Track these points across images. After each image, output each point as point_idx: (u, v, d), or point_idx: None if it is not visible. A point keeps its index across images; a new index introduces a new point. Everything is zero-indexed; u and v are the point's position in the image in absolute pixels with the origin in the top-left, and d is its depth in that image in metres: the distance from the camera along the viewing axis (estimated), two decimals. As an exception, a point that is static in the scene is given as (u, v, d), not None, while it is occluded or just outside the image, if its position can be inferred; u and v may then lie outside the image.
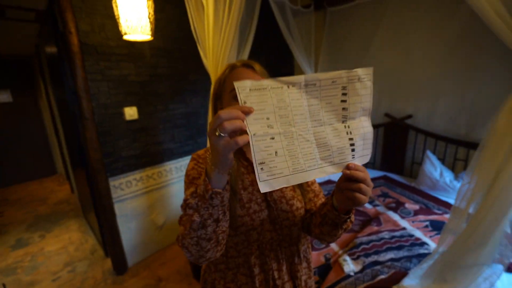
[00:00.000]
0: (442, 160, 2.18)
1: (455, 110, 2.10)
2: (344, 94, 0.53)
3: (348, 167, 0.53)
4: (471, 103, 2.02)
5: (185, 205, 0.56)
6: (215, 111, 0.76)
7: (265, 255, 0.73)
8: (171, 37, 2.18)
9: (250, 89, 0.48)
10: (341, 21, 2.69)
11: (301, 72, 2.86)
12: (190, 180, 0.70)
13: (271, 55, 3.03)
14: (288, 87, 0.50)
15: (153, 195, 2.29)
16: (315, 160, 0.52)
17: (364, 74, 0.53)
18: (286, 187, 0.75)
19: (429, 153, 2.17)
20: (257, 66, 0.71)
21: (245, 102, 0.47)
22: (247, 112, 0.47)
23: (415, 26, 2.19)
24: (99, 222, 2.21)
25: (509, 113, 0.80)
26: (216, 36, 1.48)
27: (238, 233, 0.70)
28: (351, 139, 0.54)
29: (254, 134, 0.48)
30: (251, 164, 0.75)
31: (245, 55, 1.92)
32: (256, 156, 0.48)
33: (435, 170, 2.05)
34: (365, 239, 1.47)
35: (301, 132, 0.51)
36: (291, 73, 3.36)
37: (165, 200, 2.38)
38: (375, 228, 1.58)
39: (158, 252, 2.39)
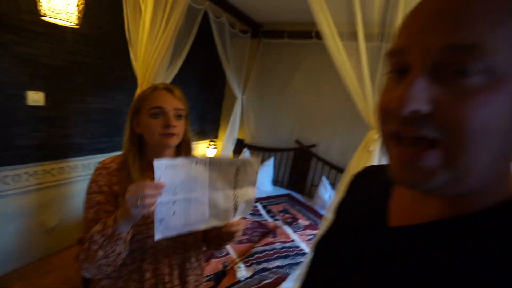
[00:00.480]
0: (333, 185, 2.66)
1: (346, 145, 2.62)
2: (237, 171, 0.72)
3: (228, 222, 0.75)
4: (357, 141, 2.56)
5: (91, 240, 0.65)
6: (131, 124, 0.82)
7: (158, 261, 0.80)
8: (101, 27, 2.06)
9: (165, 167, 0.62)
10: (272, 53, 3.03)
11: (231, 89, 3.06)
12: (90, 192, 0.77)
13: (205, 68, 3.13)
14: (196, 163, 0.66)
15: (48, 193, 2.03)
16: (205, 217, 0.70)
17: (254, 161, 0.75)
18: None
19: (324, 178, 2.62)
20: (177, 92, 0.81)
21: (160, 178, 0.62)
22: (160, 188, 0.62)
23: (325, 72, 2.67)
24: (-35, 219, 1.82)
25: (360, 150, 1.13)
26: (149, 43, 1.51)
27: (134, 240, 0.75)
28: (235, 202, 0.74)
29: (159, 202, 0.62)
30: None
31: (178, 65, 1.98)
32: (157, 215, 0.62)
33: (326, 192, 2.49)
34: (260, 249, 1.68)
35: (199, 197, 0.68)
36: (222, 89, 3.52)
37: (62, 199, 2.14)
38: (271, 239, 1.82)
39: (44, 259, 2.09)
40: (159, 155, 0.84)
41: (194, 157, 0.67)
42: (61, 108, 1.95)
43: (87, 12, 1.89)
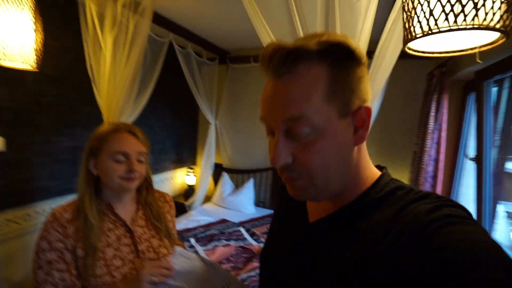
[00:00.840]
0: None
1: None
2: (228, 284, 0.76)
3: None
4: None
5: None
6: (87, 165, 0.79)
7: None
8: (64, 66, 2.04)
9: (182, 255, 0.75)
10: (240, 77, 3.12)
11: (204, 114, 3.07)
12: (40, 251, 0.70)
13: (176, 97, 3.14)
14: (205, 264, 0.76)
15: (13, 244, 1.88)
16: None
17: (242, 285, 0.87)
18: (153, 237, 0.85)
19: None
20: (140, 135, 0.81)
21: (174, 263, 0.73)
22: (172, 271, 0.72)
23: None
24: None
25: None
26: (111, 78, 1.52)
27: None
28: None
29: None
30: (119, 219, 0.81)
31: (145, 97, 1.99)
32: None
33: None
34: (245, 276, 1.63)
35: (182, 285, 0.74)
36: (196, 115, 3.54)
37: (30, 249, 1.98)
38: (256, 264, 1.77)
39: (9, 318, 1.90)
40: (119, 197, 0.82)
41: (205, 259, 0.78)
42: (23, 151, 1.87)
43: (49, 52, 1.88)
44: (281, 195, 0.64)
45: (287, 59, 0.37)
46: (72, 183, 2.20)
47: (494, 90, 1.56)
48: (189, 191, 3.24)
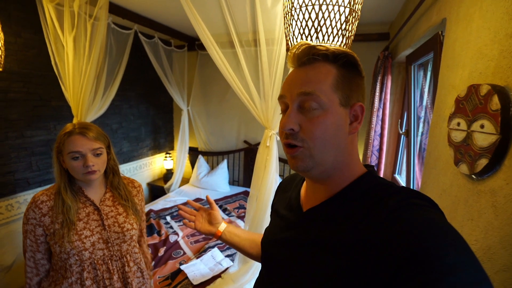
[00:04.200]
0: (282, 176, 2.93)
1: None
2: None
3: None
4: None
5: None
6: (58, 161, 0.93)
7: (97, 269, 0.94)
8: (30, 61, 2.09)
9: None
10: (211, 63, 3.18)
11: (175, 101, 3.19)
12: (23, 223, 0.90)
13: (148, 86, 3.22)
14: None
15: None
16: None
17: None
18: (119, 215, 1.02)
19: (272, 171, 2.88)
20: (91, 133, 0.93)
21: None
22: None
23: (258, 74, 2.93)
24: None
25: (261, 146, 1.37)
26: (76, 75, 1.62)
27: (71, 255, 0.89)
28: None
29: None
30: (89, 199, 0.99)
31: (114, 90, 2.09)
32: None
33: (276, 183, 2.75)
34: (212, 243, 1.87)
35: None
36: (170, 102, 3.64)
37: (16, 236, 2.14)
38: (224, 234, 2.02)
39: (4, 297, 2.09)
40: (88, 185, 0.99)
41: None
42: (-1, 146, 1.97)
43: (11, 49, 1.93)
44: (279, 191, 0.73)
45: (309, 53, 0.48)
46: (50, 174, 2.33)
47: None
48: (168, 175, 3.42)
